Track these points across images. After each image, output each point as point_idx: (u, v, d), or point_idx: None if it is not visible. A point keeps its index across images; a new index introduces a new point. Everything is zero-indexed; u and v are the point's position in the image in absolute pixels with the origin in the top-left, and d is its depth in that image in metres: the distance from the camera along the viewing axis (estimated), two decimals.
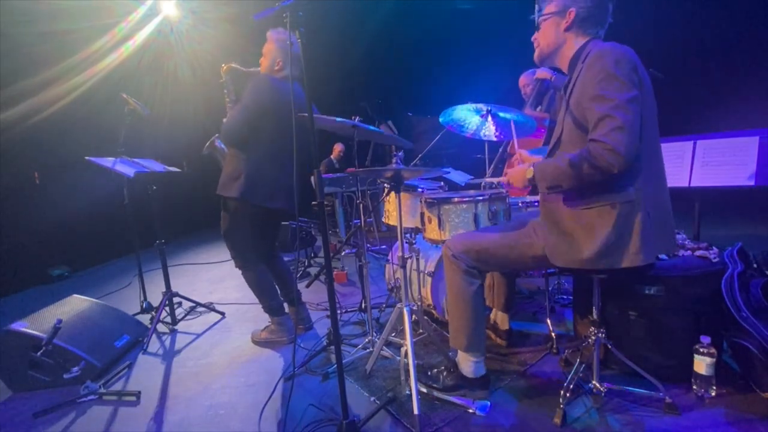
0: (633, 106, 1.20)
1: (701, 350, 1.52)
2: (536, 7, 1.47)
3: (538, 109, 2.56)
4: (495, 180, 1.84)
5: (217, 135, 2.40)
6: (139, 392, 1.89)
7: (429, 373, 1.73)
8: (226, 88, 2.29)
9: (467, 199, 1.82)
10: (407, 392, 1.68)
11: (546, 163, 1.38)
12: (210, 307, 2.94)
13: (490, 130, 2.06)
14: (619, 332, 1.73)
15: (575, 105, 1.33)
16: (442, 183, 2.42)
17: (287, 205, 2.19)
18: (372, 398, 1.71)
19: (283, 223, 3.71)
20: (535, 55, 1.51)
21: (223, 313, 2.90)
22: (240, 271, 2.29)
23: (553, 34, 1.42)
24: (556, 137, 1.46)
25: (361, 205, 2.16)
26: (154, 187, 2.71)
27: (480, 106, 2.05)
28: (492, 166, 2.63)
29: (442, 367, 1.73)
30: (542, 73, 2.52)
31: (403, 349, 1.79)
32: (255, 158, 2.12)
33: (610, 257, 1.30)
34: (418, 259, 2.20)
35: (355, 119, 1.86)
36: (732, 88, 5.29)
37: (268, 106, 2.06)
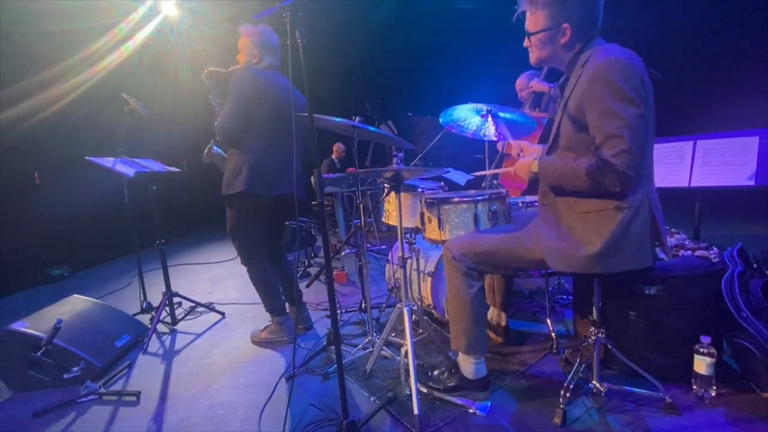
0: (640, 124, 1.21)
1: (701, 350, 1.52)
2: (524, 6, 1.39)
3: (537, 110, 2.57)
4: (496, 172, 2.05)
5: (212, 141, 2.41)
6: (139, 392, 1.89)
7: (429, 374, 1.73)
8: (211, 93, 2.32)
9: (467, 199, 1.82)
10: (407, 392, 1.68)
11: (549, 163, 1.41)
12: (210, 307, 2.94)
13: (490, 131, 2.06)
14: (619, 332, 1.73)
15: (574, 109, 1.32)
16: (442, 183, 2.42)
17: (290, 189, 2.19)
18: (372, 398, 1.71)
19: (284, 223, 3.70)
20: (531, 59, 1.48)
21: (223, 313, 2.90)
22: (244, 270, 2.30)
23: (549, 48, 1.40)
24: (552, 138, 1.47)
25: (361, 205, 2.16)
26: (154, 187, 2.70)
27: (480, 106, 2.04)
28: (492, 166, 2.63)
29: (443, 368, 1.72)
30: (539, 86, 2.53)
31: (403, 349, 1.79)
32: (253, 151, 2.13)
33: (609, 260, 1.31)
34: (418, 259, 2.20)
35: (355, 119, 1.86)
36: (732, 88, 5.28)
37: (255, 96, 2.08)
